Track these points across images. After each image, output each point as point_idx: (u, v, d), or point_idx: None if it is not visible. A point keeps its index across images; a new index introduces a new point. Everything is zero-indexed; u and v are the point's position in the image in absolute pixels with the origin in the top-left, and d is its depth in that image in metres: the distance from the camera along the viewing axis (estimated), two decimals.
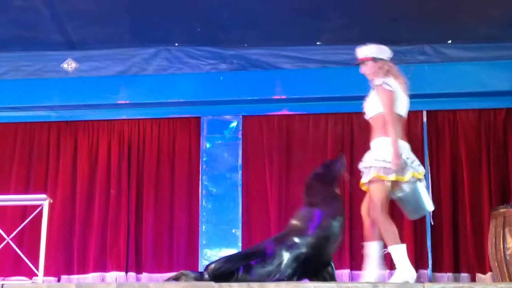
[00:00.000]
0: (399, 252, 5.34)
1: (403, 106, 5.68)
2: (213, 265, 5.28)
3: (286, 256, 5.22)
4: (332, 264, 5.44)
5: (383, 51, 5.82)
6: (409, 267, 5.34)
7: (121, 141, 8.85)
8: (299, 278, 5.25)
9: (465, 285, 4.29)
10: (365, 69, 5.79)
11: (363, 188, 5.65)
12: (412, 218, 6.05)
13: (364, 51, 5.82)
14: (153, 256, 8.53)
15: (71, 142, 8.87)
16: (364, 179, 5.58)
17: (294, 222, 5.52)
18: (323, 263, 5.34)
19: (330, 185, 5.61)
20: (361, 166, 5.63)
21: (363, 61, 5.78)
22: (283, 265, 5.19)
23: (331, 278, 5.35)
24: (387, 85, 5.61)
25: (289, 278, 5.14)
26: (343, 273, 8.05)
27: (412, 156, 5.55)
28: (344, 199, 6.42)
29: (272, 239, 5.60)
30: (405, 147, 5.54)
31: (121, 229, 8.55)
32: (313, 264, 5.27)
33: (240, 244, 8.45)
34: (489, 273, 7.79)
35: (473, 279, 7.94)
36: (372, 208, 5.47)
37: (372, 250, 5.53)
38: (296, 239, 5.28)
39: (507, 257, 6.90)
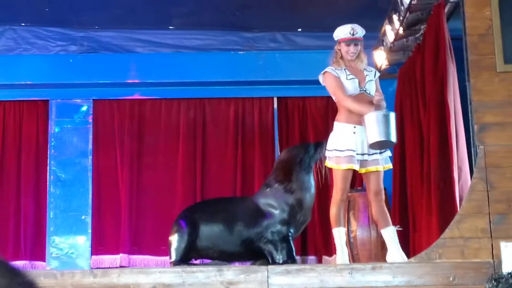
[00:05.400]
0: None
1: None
2: None
3: None
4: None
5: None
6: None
7: None
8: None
9: (306, 267, 4.41)
10: (359, 49, 5.26)
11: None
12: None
13: (361, 30, 5.26)
14: None
15: None
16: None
17: None
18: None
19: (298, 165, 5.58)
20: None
21: (359, 40, 5.25)
22: None
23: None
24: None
25: None
26: None
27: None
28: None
29: None
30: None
31: None
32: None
33: (89, 231, 8.29)
34: (334, 255, 8.03)
35: (320, 261, 8.20)
36: None
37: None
38: None
39: (351, 240, 7.16)
